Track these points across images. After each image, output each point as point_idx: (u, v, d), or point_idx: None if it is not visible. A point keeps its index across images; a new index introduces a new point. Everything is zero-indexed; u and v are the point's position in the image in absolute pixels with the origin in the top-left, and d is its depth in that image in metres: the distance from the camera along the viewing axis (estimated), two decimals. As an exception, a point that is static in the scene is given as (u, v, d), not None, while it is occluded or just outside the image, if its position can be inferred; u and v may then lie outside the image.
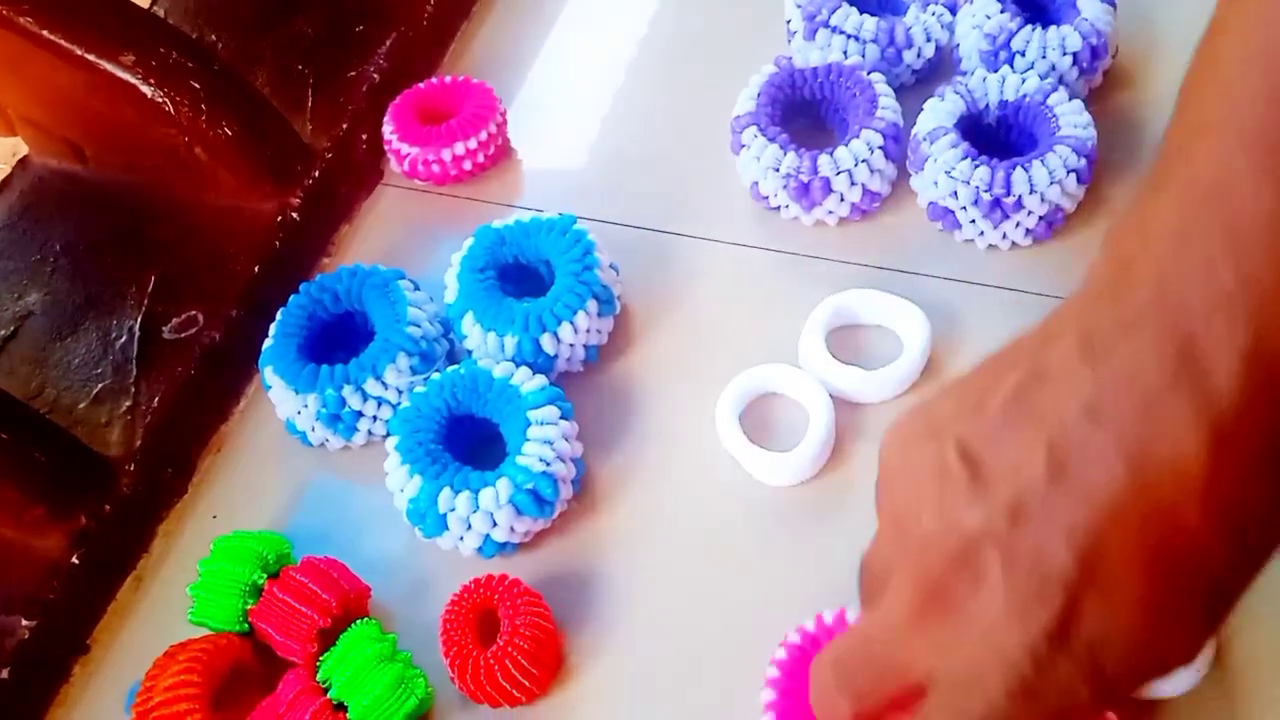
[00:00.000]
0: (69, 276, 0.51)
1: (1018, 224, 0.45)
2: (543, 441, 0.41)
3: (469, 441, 0.43)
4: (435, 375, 0.43)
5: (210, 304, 0.48)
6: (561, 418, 0.42)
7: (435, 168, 0.52)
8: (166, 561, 0.45)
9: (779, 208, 0.49)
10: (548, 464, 0.40)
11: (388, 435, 0.43)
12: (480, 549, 0.41)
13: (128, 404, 0.46)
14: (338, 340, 0.47)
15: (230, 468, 0.47)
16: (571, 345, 0.45)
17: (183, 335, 0.47)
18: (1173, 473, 0.24)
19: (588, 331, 0.45)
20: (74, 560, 0.42)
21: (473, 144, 0.52)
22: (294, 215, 0.50)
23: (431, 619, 0.41)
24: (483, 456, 0.43)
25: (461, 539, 0.41)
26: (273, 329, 0.46)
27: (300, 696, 0.37)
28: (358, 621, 0.39)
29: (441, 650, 0.38)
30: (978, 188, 0.45)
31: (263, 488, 0.46)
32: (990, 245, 0.47)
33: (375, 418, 0.44)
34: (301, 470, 0.46)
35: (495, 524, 0.40)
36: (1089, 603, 0.25)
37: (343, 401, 0.44)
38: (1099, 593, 0.25)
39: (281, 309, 0.46)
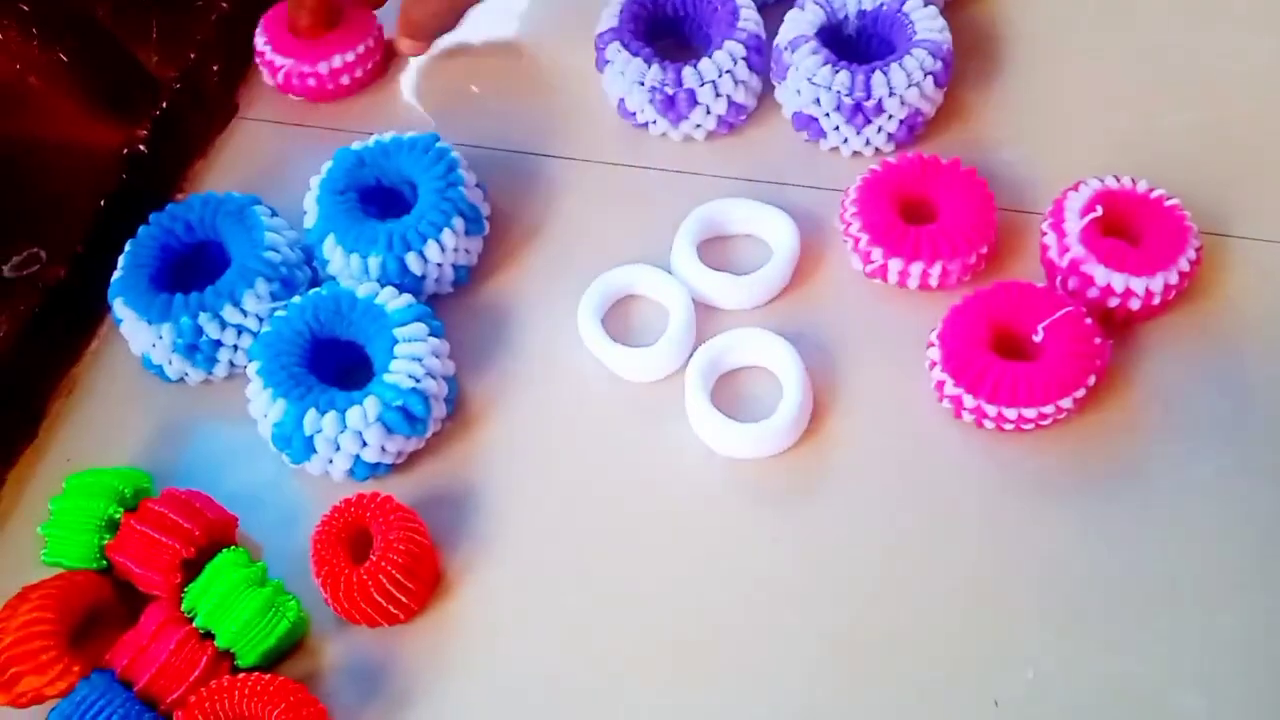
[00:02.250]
0: (-104, 220, 0.47)
1: (879, 128, 0.46)
2: (411, 358, 0.40)
3: (335, 366, 0.42)
4: (298, 299, 0.42)
5: (54, 241, 0.45)
6: (430, 335, 0.41)
7: (311, 81, 0.51)
8: (17, 509, 0.42)
9: (646, 124, 0.48)
10: (417, 381, 0.39)
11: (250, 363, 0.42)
12: (351, 471, 0.40)
13: (-34, 346, 0.43)
14: (194, 273, 0.45)
15: (84, 409, 0.45)
16: (439, 265, 0.44)
17: (24, 273, 0.45)
18: None
19: (455, 251, 0.44)
20: (-88, 509, 0.39)
21: (350, 57, 0.50)
22: (141, 148, 0.48)
23: (304, 547, 0.39)
24: (351, 382, 0.42)
25: (331, 462, 0.40)
26: (122, 261, 0.44)
27: (163, 627, 0.36)
28: (224, 550, 0.37)
29: (313, 571, 0.37)
30: (839, 93, 0.45)
31: (120, 428, 0.44)
32: (855, 152, 0.47)
33: (236, 347, 0.43)
34: (161, 408, 0.44)
35: (365, 444, 0.39)
36: None
37: (199, 330, 0.42)
38: None
39: (130, 240, 0.44)
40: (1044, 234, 0.42)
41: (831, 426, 0.41)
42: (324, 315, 0.41)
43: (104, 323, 0.46)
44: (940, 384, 0.40)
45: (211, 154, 0.52)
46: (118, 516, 0.38)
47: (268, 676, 0.35)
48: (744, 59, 0.47)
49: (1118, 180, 0.42)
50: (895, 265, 0.43)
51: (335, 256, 0.43)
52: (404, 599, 0.37)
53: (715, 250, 0.45)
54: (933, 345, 0.41)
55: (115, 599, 0.38)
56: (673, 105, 0.47)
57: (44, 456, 0.44)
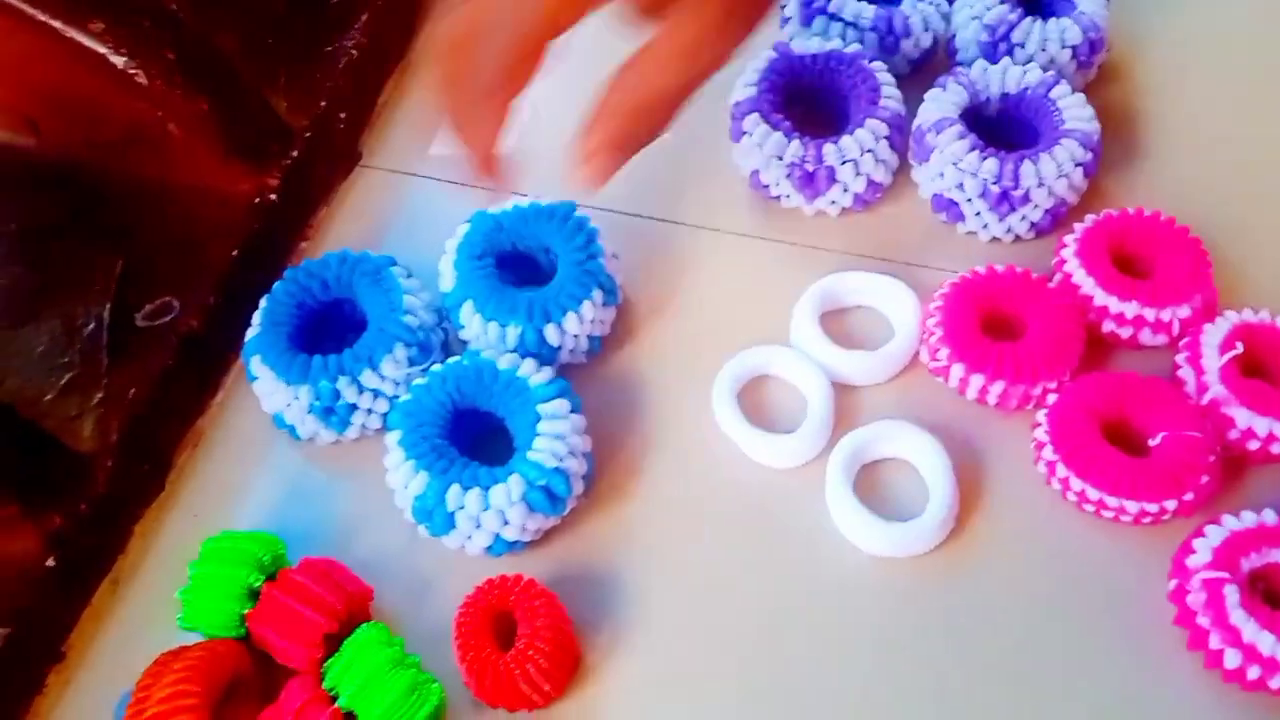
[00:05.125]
0: (23, 260, 0.47)
1: (1023, 217, 0.45)
2: (555, 436, 0.39)
3: (471, 436, 0.42)
4: (437, 366, 0.41)
5: (186, 290, 0.45)
6: (572, 411, 0.40)
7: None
8: (144, 563, 0.42)
9: (779, 197, 0.48)
10: (560, 459, 0.39)
11: (382, 429, 0.41)
12: (489, 548, 0.40)
13: (100, 396, 0.43)
14: (324, 329, 0.45)
15: (209, 463, 0.44)
16: (575, 336, 0.43)
17: (157, 323, 0.44)
18: None
19: (592, 322, 0.43)
20: (49, 563, 0.39)
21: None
22: (272, 197, 0.48)
23: (436, 621, 0.39)
24: (485, 451, 0.41)
25: (470, 537, 0.39)
26: (258, 317, 0.44)
27: (307, 706, 0.35)
28: (364, 625, 0.37)
29: (456, 655, 0.37)
30: (985, 180, 0.44)
31: (245, 484, 0.44)
32: (993, 238, 0.47)
33: (370, 410, 0.42)
34: (286, 466, 0.44)
35: (507, 522, 0.39)
36: None
37: (337, 394, 0.42)
38: None
39: (266, 296, 0.44)
40: (1178, 367, 0.41)
41: (971, 520, 0.41)
42: (465, 386, 0.41)
43: (229, 374, 0.46)
44: (1051, 465, 0.40)
45: (335, 202, 0.51)
46: (257, 585, 0.38)
47: (406, 760, 0.35)
48: (886, 138, 0.46)
49: (1254, 312, 0.41)
50: (976, 382, 0.42)
51: (473, 323, 0.43)
52: (547, 687, 0.36)
53: (835, 323, 0.45)
54: (1038, 425, 0.40)
55: (253, 670, 0.38)
56: (811, 181, 0.46)
57: (170, 510, 0.43)
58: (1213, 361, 0.40)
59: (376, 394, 0.42)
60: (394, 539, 0.41)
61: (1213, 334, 0.41)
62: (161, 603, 0.40)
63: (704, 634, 0.39)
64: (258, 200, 0.47)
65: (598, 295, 0.43)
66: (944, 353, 0.42)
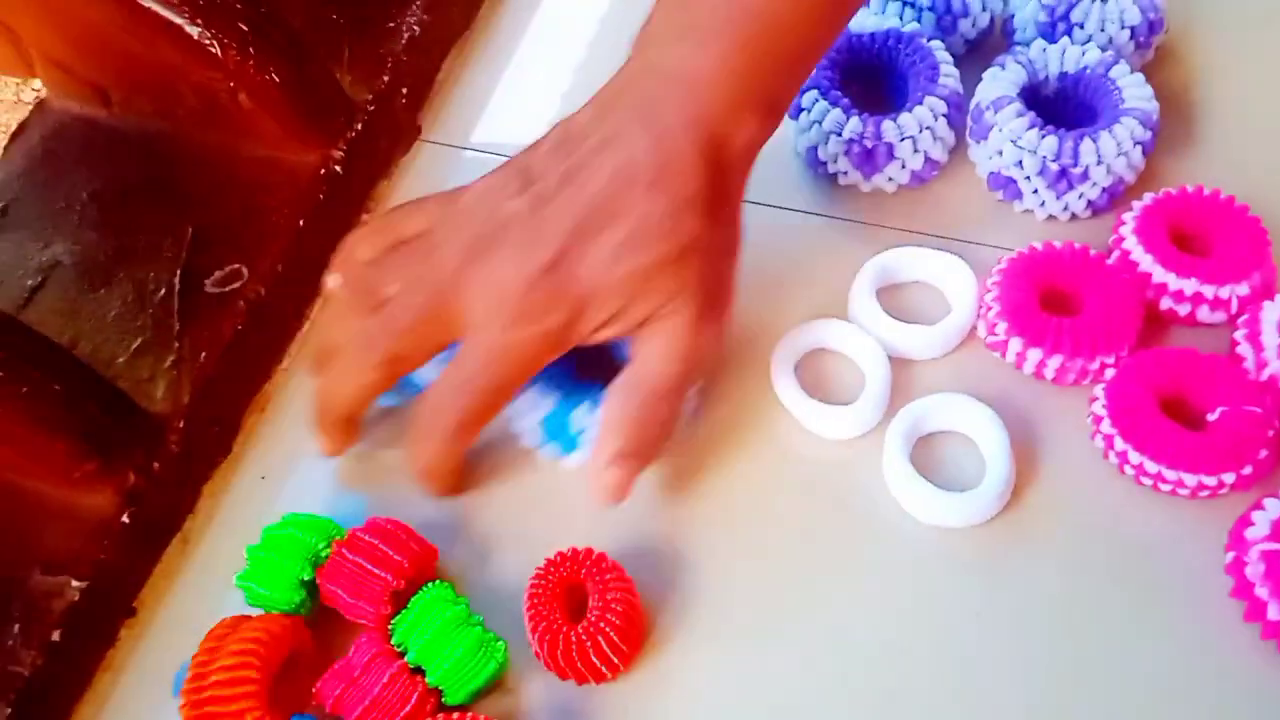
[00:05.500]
0: (98, 227, 0.49)
1: (1080, 195, 0.46)
2: (617, 403, 0.40)
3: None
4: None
5: (254, 258, 0.46)
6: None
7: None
8: (213, 523, 0.43)
9: (836, 174, 0.48)
10: None
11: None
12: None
13: (171, 359, 0.44)
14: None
15: (276, 427, 0.45)
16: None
17: (226, 289, 0.45)
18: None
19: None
20: (124, 519, 0.40)
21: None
22: (337, 169, 0.48)
23: (496, 583, 0.40)
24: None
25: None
26: (326, 283, 0.45)
27: (376, 659, 0.36)
28: (430, 584, 0.38)
29: (528, 626, 0.37)
30: (1044, 157, 0.45)
31: (310, 448, 0.44)
32: (1050, 216, 0.47)
33: (435, 377, 0.43)
34: (351, 429, 0.45)
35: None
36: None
37: (404, 360, 0.42)
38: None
39: (336, 263, 0.45)
40: (1236, 344, 0.42)
41: (1028, 493, 0.41)
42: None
43: (295, 340, 0.47)
44: (1109, 438, 0.40)
45: (395, 175, 0.52)
46: (312, 577, 0.38)
47: (471, 715, 0.36)
48: (944, 115, 0.47)
49: None
50: (1033, 356, 0.42)
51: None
52: (616, 660, 0.37)
53: (888, 297, 0.45)
54: (1096, 399, 0.41)
55: (311, 646, 0.38)
56: (869, 158, 0.47)
57: (238, 471, 0.44)
58: (1272, 338, 0.40)
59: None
60: (456, 503, 0.42)
61: (1272, 311, 0.41)
62: (228, 561, 0.41)
63: (764, 605, 0.39)
64: (323, 171, 0.48)
65: (658, 267, 0.44)
66: (1002, 327, 0.42)
